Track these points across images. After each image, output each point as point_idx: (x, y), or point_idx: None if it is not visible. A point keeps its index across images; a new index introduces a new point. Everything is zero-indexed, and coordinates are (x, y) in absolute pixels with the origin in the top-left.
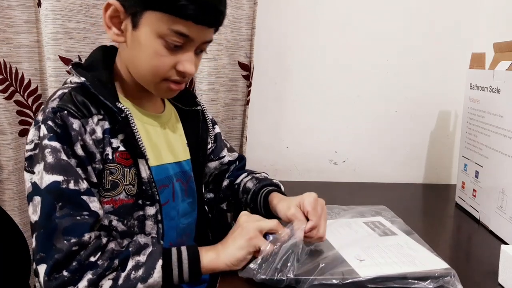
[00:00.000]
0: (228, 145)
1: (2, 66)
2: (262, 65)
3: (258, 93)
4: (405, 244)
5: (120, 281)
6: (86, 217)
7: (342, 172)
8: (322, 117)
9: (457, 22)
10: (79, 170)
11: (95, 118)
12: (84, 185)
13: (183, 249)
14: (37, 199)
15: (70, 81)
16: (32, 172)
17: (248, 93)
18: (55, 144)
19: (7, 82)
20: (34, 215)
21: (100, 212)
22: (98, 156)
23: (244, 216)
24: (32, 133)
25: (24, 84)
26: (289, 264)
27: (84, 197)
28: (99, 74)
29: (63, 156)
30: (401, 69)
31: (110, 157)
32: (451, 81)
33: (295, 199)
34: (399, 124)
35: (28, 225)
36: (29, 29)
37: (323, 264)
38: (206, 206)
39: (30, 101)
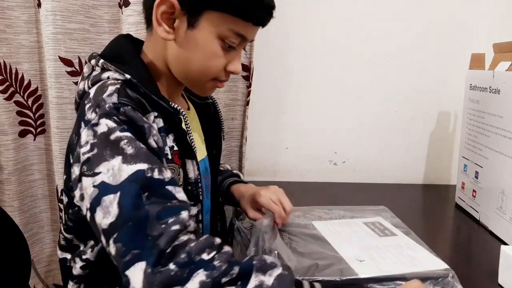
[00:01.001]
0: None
1: (2, 67)
2: (262, 66)
3: (258, 93)
4: (404, 244)
5: None
6: (175, 202)
7: (342, 173)
8: (322, 117)
9: (457, 22)
10: (159, 162)
11: (152, 116)
12: (168, 174)
13: (317, 285)
14: (109, 198)
15: (109, 77)
16: (95, 174)
17: (248, 94)
18: (129, 134)
19: (7, 83)
20: (106, 218)
21: (188, 202)
22: (163, 153)
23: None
24: (85, 134)
25: (24, 84)
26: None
27: (169, 187)
28: (139, 70)
29: (142, 145)
30: (401, 69)
31: (169, 156)
32: (451, 81)
33: (251, 200)
34: (399, 125)
35: (29, 225)
36: (29, 29)
37: (322, 264)
38: (220, 199)
39: (30, 102)
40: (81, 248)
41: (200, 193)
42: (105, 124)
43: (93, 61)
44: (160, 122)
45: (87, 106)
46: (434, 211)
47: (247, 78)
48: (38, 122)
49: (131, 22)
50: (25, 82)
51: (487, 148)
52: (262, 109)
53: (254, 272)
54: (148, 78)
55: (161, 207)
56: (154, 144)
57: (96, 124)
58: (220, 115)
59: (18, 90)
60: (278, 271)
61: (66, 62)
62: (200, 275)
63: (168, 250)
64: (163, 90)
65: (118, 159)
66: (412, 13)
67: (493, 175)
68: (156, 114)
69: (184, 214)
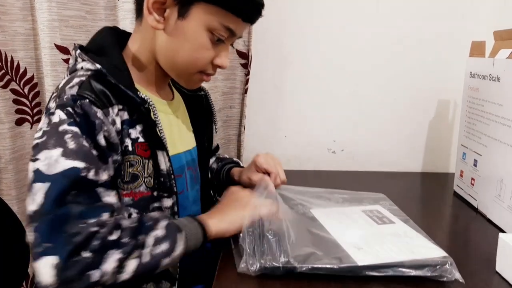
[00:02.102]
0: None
1: None
2: (261, 53)
3: (257, 81)
4: (403, 232)
5: (145, 259)
6: (101, 204)
7: (340, 161)
8: (320, 105)
9: (457, 10)
10: (100, 163)
11: (115, 109)
12: (103, 176)
13: (190, 219)
14: (39, 186)
15: (82, 67)
16: (35, 160)
17: (246, 82)
18: (76, 129)
19: (3, 71)
20: (32, 205)
21: (116, 205)
22: (119, 148)
23: (247, 196)
24: (42, 122)
25: (20, 72)
26: (278, 247)
27: (100, 189)
28: (113, 60)
29: (85, 143)
30: (401, 57)
31: (130, 148)
32: (451, 69)
33: (250, 168)
34: (398, 113)
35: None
36: (24, 16)
37: (320, 252)
38: (211, 191)
39: (26, 90)
40: None
41: (174, 184)
42: (58, 115)
43: (72, 52)
44: (125, 115)
45: (53, 95)
46: (433, 199)
47: (245, 66)
48: (35, 111)
49: (127, 9)
50: (21, 70)
51: (486, 136)
52: (261, 98)
53: (151, 231)
54: (121, 68)
55: (84, 207)
56: (102, 142)
57: (52, 114)
58: (212, 108)
59: (14, 78)
60: (164, 222)
61: (62, 49)
62: (114, 255)
63: (83, 244)
64: (144, 81)
65: (59, 151)
66: (412, 0)
67: (492, 163)
68: (120, 107)
69: (105, 216)
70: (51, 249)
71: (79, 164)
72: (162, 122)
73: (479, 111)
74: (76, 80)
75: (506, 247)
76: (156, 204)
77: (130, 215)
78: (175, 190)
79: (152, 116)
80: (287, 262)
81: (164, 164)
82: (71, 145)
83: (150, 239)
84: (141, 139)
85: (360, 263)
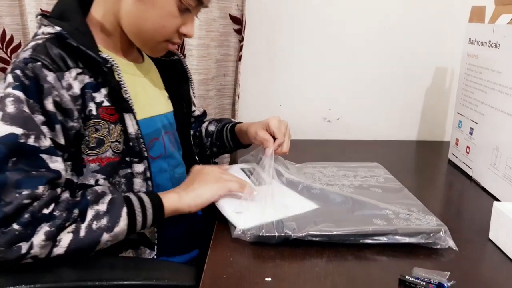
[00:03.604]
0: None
1: None
2: (255, 19)
3: (251, 48)
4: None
5: (82, 233)
6: (43, 172)
7: (335, 130)
8: (316, 73)
9: None
10: (45, 128)
11: (73, 72)
12: (46, 142)
13: (143, 195)
14: None
15: (43, 32)
16: None
17: (240, 49)
18: (19, 94)
19: None
20: None
21: (63, 172)
22: (75, 113)
23: (215, 170)
24: None
25: (7, 39)
26: (270, 210)
27: (44, 155)
28: (75, 23)
29: (26, 109)
30: (399, 24)
31: (94, 113)
32: (450, 36)
33: (261, 123)
34: (394, 81)
35: None
36: None
37: (318, 219)
38: (196, 157)
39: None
40: None
41: (144, 149)
42: (9, 78)
43: (37, 19)
44: (86, 78)
45: (13, 60)
46: (427, 168)
47: (239, 32)
48: None
49: None
50: (7, 37)
51: (484, 104)
52: (255, 65)
53: (90, 206)
54: (83, 31)
55: (24, 175)
56: (50, 107)
57: (6, 76)
58: (187, 72)
59: (1, 45)
60: (109, 197)
61: None
62: (44, 228)
63: (13, 215)
64: (109, 45)
65: None
66: None
67: (488, 131)
68: (80, 70)
69: (41, 189)
70: None
71: (17, 130)
72: (129, 84)
73: (477, 78)
74: (32, 43)
75: (500, 216)
76: (128, 170)
77: (97, 182)
78: (145, 154)
79: (116, 77)
80: (282, 230)
81: (132, 128)
82: (11, 109)
83: (90, 214)
84: (106, 103)
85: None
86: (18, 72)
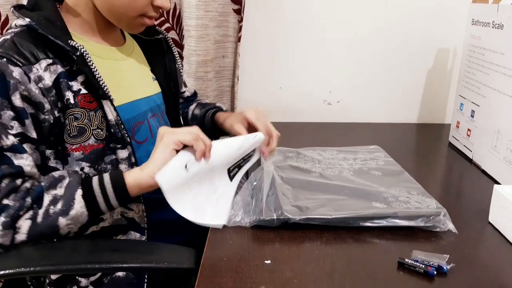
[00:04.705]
0: (184, 80)
1: None
2: None
3: (250, 29)
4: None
5: (39, 219)
6: (2, 167)
7: (336, 113)
8: (316, 55)
9: None
10: (15, 123)
11: (43, 63)
12: (8, 141)
13: (105, 175)
14: None
15: (15, 25)
16: None
17: (240, 29)
18: None
19: None
20: None
21: (27, 168)
22: (47, 106)
23: (163, 129)
24: None
25: (2, 20)
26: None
27: (8, 153)
28: (46, 13)
29: None
30: (401, 4)
31: (72, 101)
32: (452, 17)
33: (238, 117)
34: (396, 63)
35: None
36: None
37: (315, 203)
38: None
39: None
40: None
41: (126, 135)
42: None
43: (10, 11)
44: (59, 68)
45: None
46: (428, 150)
47: (238, 12)
48: None
49: None
50: (3, 18)
51: (486, 87)
52: (254, 47)
53: (45, 192)
54: (53, 19)
55: None
56: (18, 102)
57: None
58: (173, 51)
59: None
60: (66, 181)
61: None
62: (0, 219)
63: None
64: (86, 29)
65: None
66: None
67: (489, 114)
68: (50, 61)
69: (3, 184)
70: None
71: None
72: (107, 70)
73: (479, 60)
74: (0, 40)
75: (500, 198)
76: (113, 156)
77: (82, 170)
78: (128, 140)
79: (89, 64)
80: (281, 214)
81: (111, 114)
82: None
83: (46, 199)
84: (83, 91)
85: (352, 213)
86: None
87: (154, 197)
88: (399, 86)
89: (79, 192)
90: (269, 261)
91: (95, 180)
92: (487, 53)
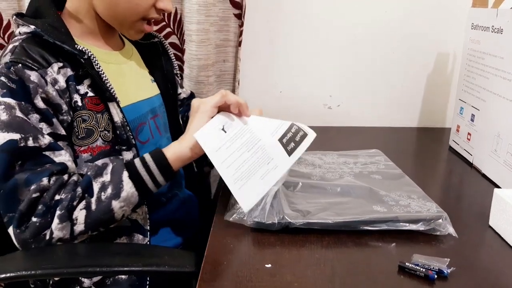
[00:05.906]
0: (180, 81)
1: None
2: (255, 3)
3: (251, 33)
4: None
5: (93, 206)
6: (47, 166)
7: (336, 117)
8: (317, 59)
9: None
10: (44, 125)
11: (55, 67)
12: (45, 140)
13: (145, 154)
14: None
15: (20, 32)
16: None
17: (240, 34)
18: (9, 100)
19: None
20: None
21: (69, 163)
22: (64, 107)
23: (197, 101)
24: None
25: (4, 25)
26: (273, 200)
27: (47, 153)
28: (49, 20)
29: (19, 113)
30: (400, 7)
31: (79, 104)
32: (452, 21)
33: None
34: (395, 67)
35: None
36: None
37: (316, 207)
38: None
39: None
40: None
41: (132, 137)
42: None
43: (12, 20)
44: (68, 71)
45: None
46: (428, 154)
47: (239, 17)
48: None
49: None
50: (5, 23)
51: (485, 91)
52: (255, 51)
53: (93, 181)
54: (57, 25)
55: (30, 173)
56: (41, 104)
57: None
58: (169, 53)
59: None
60: (110, 167)
61: None
62: (57, 213)
63: (28, 210)
64: (88, 34)
65: None
66: None
67: (489, 118)
68: (61, 64)
69: (45, 180)
70: (11, 218)
71: (15, 136)
72: (112, 73)
73: (479, 64)
74: (9, 47)
75: (500, 202)
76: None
77: None
78: (133, 142)
79: (95, 67)
80: (283, 218)
81: (117, 116)
82: (3, 116)
83: (96, 187)
84: (90, 94)
85: (354, 217)
86: (2, 78)
87: (156, 199)
88: (399, 90)
89: (125, 174)
90: (269, 265)
91: (137, 161)
92: (486, 57)
